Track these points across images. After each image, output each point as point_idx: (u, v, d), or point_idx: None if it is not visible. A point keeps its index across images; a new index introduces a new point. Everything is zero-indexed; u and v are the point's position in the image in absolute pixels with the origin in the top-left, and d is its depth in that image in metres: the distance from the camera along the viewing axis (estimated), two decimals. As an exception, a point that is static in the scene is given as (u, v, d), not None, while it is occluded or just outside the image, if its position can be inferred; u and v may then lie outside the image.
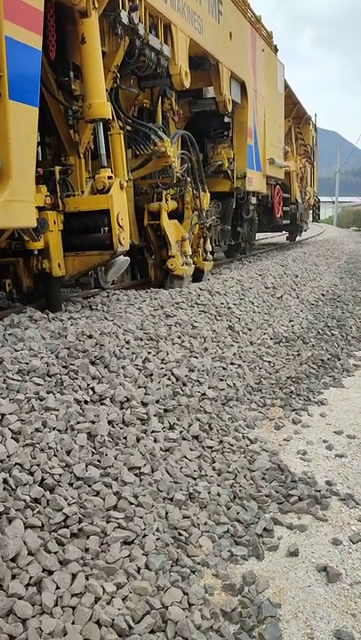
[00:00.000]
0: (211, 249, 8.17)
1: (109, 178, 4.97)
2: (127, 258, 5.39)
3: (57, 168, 5.00)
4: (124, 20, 5.36)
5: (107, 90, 5.40)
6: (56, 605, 1.95)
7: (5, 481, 2.32)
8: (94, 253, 5.00)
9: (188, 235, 7.14)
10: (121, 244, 4.85)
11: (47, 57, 4.94)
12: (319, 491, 2.94)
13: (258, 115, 10.62)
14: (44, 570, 2.07)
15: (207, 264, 7.88)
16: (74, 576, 2.08)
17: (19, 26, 3.86)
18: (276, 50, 12.35)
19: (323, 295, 8.53)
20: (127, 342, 3.92)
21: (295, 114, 17.12)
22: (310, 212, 20.94)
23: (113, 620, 1.92)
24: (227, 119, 9.68)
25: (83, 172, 5.41)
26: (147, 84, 6.96)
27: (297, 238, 19.06)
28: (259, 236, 18.58)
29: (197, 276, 7.65)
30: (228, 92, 8.76)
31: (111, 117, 5.36)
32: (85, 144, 5.45)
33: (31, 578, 2.01)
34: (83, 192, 5.27)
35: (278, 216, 13.78)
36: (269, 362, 5.04)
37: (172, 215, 6.94)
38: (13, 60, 3.80)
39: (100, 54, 5.00)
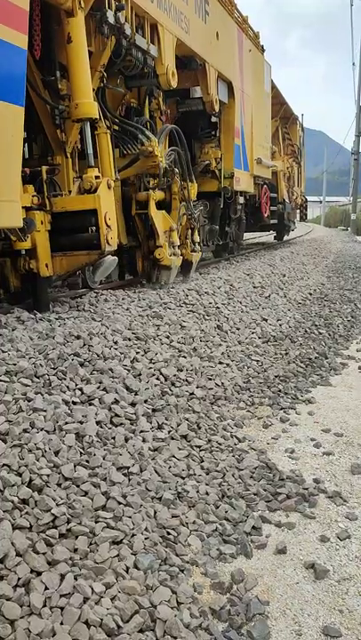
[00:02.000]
0: (199, 240, 8.17)
1: (97, 177, 4.96)
2: (115, 257, 5.39)
3: (44, 168, 4.98)
4: (111, 19, 5.37)
5: (93, 89, 5.40)
6: (45, 606, 1.95)
7: (-7, 482, 2.31)
8: (82, 253, 4.99)
9: (176, 225, 7.13)
10: (109, 243, 4.85)
11: (33, 56, 4.92)
12: (307, 489, 2.96)
13: (245, 114, 10.65)
14: (32, 571, 2.06)
15: (195, 255, 7.87)
16: (62, 576, 2.07)
17: (4, 25, 3.85)
18: (263, 50, 12.39)
19: (310, 294, 8.57)
20: (115, 343, 3.91)
21: (282, 114, 17.22)
22: (298, 211, 21.05)
23: (102, 619, 1.92)
24: (214, 119, 9.71)
25: (70, 172, 5.39)
26: (134, 83, 6.96)
27: (285, 238, 19.13)
28: (247, 235, 18.64)
29: (185, 267, 7.64)
30: (216, 91, 8.79)
31: (98, 117, 5.35)
32: (72, 144, 5.44)
33: (19, 579, 2.00)
34: (70, 192, 5.26)
35: (266, 216, 13.81)
36: (258, 361, 5.06)
37: (159, 206, 6.94)
38: None
39: (87, 54, 5.00)
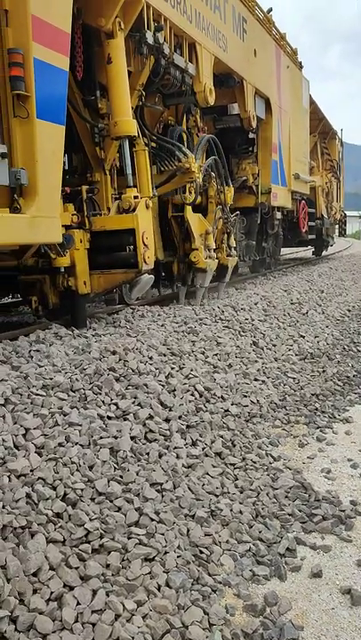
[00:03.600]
0: (235, 245, 8.16)
1: (135, 197, 5.04)
2: (151, 276, 5.44)
3: (84, 187, 5.09)
4: (150, 40, 5.48)
5: (132, 108, 5.49)
6: (76, 621, 1.95)
7: (28, 495, 2.35)
8: (119, 272, 5.06)
9: (212, 228, 7.14)
10: (146, 262, 4.92)
11: (75, 77, 5.07)
12: (344, 510, 2.89)
13: (283, 130, 10.68)
14: (65, 585, 2.07)
15: (231, 260, 7.86)
16: (94, 592, 2.08)
17: (46, 47, 3.98)
18: (300, 66, 12.45)
19: (349, 311, 8.43)
20: (150, 358, 3.93)
21: (321, 129, 17.14)
22: (336, 226, 20.83)
23: (133, 637, 1.92)
24: (251, 135, 9.76)
25: (108, 189, 5.50)
26: (172, 101, 7.07)
27: (323, 253, 18.94)
28: (285, 250, 18.52)
29: (221, 271, 7.64)
30: (253, 108, 8.85)
31: (136, 134, 5.45)
32: (111, 161, 5.55)
33: (52, 593, 2.02)
34: (109, 209, 5.34)
35: (304, 231, 13.75)
36: (294, 378, 5.00)
37: (195, 210, 6.98)
38: (41, 81, 3.91)
39: (126, 73, 5.11)
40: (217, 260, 7.23)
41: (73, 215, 4.84)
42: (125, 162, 5.22)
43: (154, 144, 6.44)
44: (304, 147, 13.11)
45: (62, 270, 4.83)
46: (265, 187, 9.96)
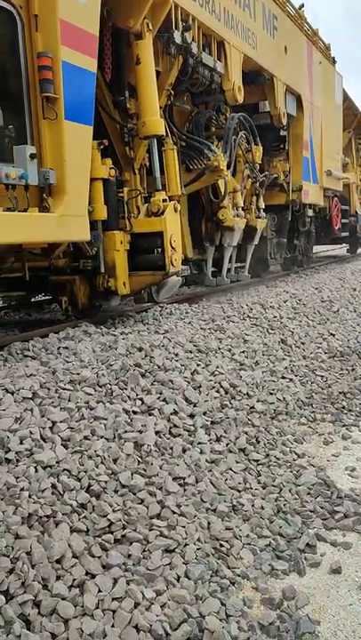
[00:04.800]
0: (263, 206, 8.16)
1: (164, 201, 5.11)
2: (179, 278, 5.52)
3: (125, 190, 5.17)
4: (178, 40, 5.53)
5: (161, 107, 5.57)
6: (97, 608, 2.02)
7: (54, 486, 2.43)
8: (147, 273, 5.14)
9: (240, 187, 7.12)
10: (173, 265, 5.00)
11: (104, 78, 5.15)
12: (366, 508, 2.89)
13: (314, 127, 10.58)
14: (87, 573, 2.14)
15: (260, 222, 7.86)
16: (115, 580, 2.14)
17: (74, 50, 4.07)
18: (334, 62, 12.29)
19: (382, 309, 8.30)
20: (176, 355, 3.99)
21: (356, 125, 16.83)
22: (371, 223, 20.49)
23: (151, 625, 1.97)
24: (282, 132, 9.70)
25: (138, 188, 5.57)
26: (200, 100, 7.10)
27: (358, 251, 18.64)
28: (318, 248, 18.29)
29: (250, 233, 7.70)
30: (283, 105, 8.82)
31: (165, 134, 5.49)
32: (140, 160, 5.62)
33: (74, 580, 2.09)
34: (138, 207, 5.39)
35: (337, 228, 13.56)
36: (322, 376, 4.97)
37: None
38: (69, 83, 4.01)
39: (154, 74, 5.17)
40: (245, 220, 7.23)
41: (111, 169, 4.84)
42: (154, 164, 5.27)
43: (183, 143, 6.47)
44: (337, 143, 12.91)
45: (102, 271, 4.90)
46: (296, 184, 9.88)
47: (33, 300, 7.33)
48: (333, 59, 12.17)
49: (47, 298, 7.45)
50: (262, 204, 8.04)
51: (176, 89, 6.12)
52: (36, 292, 6.93)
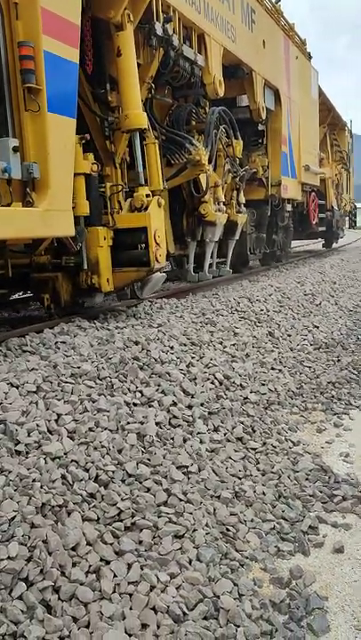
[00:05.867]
0: (244, 201, 8.11)
1: (147, 196, 5.02)
2: (163, 274, 5.42)
3: (107, 185, 5.08)
4: (159, 31, 5.44)
5: (142, 100, 5.45)
6: (114, 592, 2.08)
7: (63, 476, 2.47)
8: (131, 270, 5.04)
9: (221, 181, 7.08)
10: (158, 261, 4.91)
11: (84, 71, 5.00)
12: (363, 491, 3.00)
13: (292, 122, 10.66)
14: (101, 559, 2.20)
15: (241, 216, 7.82)
16: (129, 566, 2.20)
17: (56, 40, 3.94)
18: (309, 57, 12.40)
19: (361, 301, 8.50)
20: (171, 348, 4.05)
21: (330, 120, 17.03)
22: (347, 218, 20.77)
23: (168, 606, 2.04)
24: (261, 127, 9.72)
25: (119, 182, 5.45)
26: (181, 93, 7.00)
27: (333, 245, 18.87)
28: (295, 243, 18.50)
29: (231, 228, 7.67)
30: (262, 99, 8.81)
31: (147, 127, 5.41)
32: (121, 154, 5.49)
33: (90, 566, 2.14)
34: (119, 202, 5.26)
35: (314, 223, 13.70)
36: (310, 367, 5.09)
37: None
38: (51, 74, 3.89)
39: (136, 66, 5.06)
40: (226, 215, 7.18)
41: (93, 164, 4.73)
42: (136, 158, 5.14)
43: (164, 137, 6.38)
44: (314, 138, 13.07)
45: (85, 267, 4.82)
46: (275, 179, 9.93)
47: (11, 298, 7.17)
48: (309, 54, 12.28)
49: (28, 295, 7.33)
50: (243, 199, 8.03)
51: (157, 82, 6.01)
52: (16, 290, 6.82)
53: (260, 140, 9.90)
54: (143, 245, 4.96)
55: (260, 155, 9.81)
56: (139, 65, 5.39)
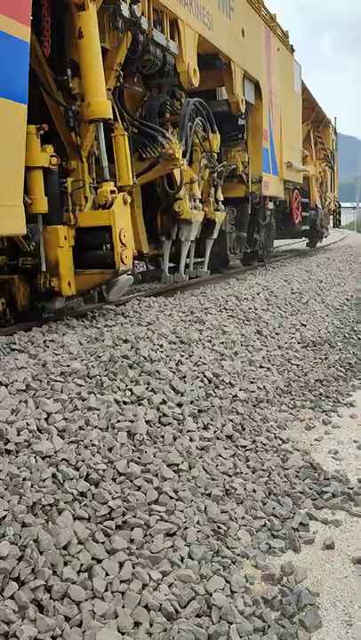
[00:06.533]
0: (222, 198, 7.71)
1: (112, 192, 4.65)
2: (130, 277, 5.08)
3: (69, 180, 4.74)
4: (125, 12, 5.04)
5: (110, 89, 5.16)
6: (107, 590, 2.07)
7: (54, 475, 2.46)
8: (95, 272, 4.68)
9: (197, 177, 6.77)
10: (123, 262, 4.55)
11: (44, 55, 4.67)
12: (352, 488, 3.02)
13: (274, 116, 10.24)
14: (93, 558, 2.19)
15: (219, 215, 7.46)
16: (121, 564, 2.19)
17: (2, 15, 3.57)
18: (292, 50, 11.94)
19: (347, 300, 8.56)
20: (161, 346, 4.04)
21: (314, 117, 16.64)
22: (331, 217, 20.75)
23: (161, 604, 2.03)
24: (241, 121, 9.23)
25: (86, 178, 5.07)
26: (153, 82, 6.63)
27: (318, 244, 18.73)
28: (281, 242, 18.55)
29: (208, 227, 7.33)
30: (241, 91, 8.36)
31: (113, 117, 5.05)
32: (88, 147, 5.09)
33: (82, 565, 2.14)
34: (86, 198, 4.90)
35: (297, 222, 13.36)
36: (298, 365, 5.12)
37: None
38: None
39: (99, 49, 4.69)
40: (203, 213, 6.87)
41: (52, 157, 4.37)
42: (101, 151, 4.77)
43: (135, 129, 6.00)
44: (296, 134, 12.62)
45: (44, 270, 4.40)
46: (255, 175, 9.50)
47: None
48: (292, 47, 11.86)
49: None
50: (221, 196, 7.68)
51: (126, 69, 5.60)
52: None
53: (241, 135, 9.38)
54: (108, 246, 4.59)
55: (240, 150, 9.37)
56: (105, 50, 5.04)
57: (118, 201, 4.58)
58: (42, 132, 4.29)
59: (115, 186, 4.96)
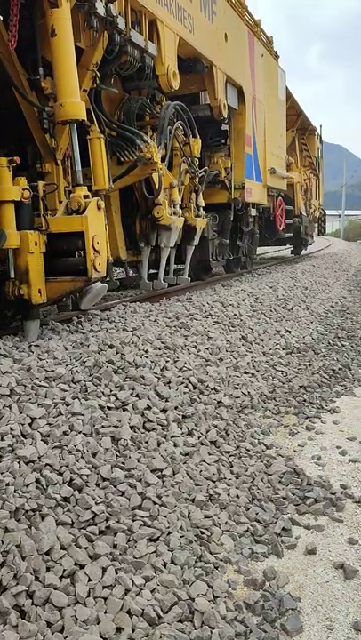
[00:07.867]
0: (203, 204, 7.60)
1: (85, 197, 4.48)
2: (104, 285, 4.90)
3: (41, 183, 4.52)
4: (100, 11, 4.90)
5: (85, 90, 5.09)
6: (89, 596, 2.07)
7: (37, 480, 2.45)
8: (67, 279, 4.49)
9: (177, 182, 6.69)
10: (96, 270, 4.39)
11: (17, 53, 4.58)
12: (334, 493, 3.04)
13: (257, 122, 10.20)
14: (76, 563, 2.19)
15: (200, 221, 7.37)
16: (104, 569, 2.19)
17: None
18: (276, 56, 11.92)
19: (332, 307, 8.65)
20: (146, 351, 4.05)
21: (299, 124, 16.67)
22: (316, 225, 20.81)
23: (143, 610, 2.03)
24: (224, 126, 9.16)
25: (61, 181, 4.96)
26: (132, 85, 6.52)
27: (303, 252, 18.65)
28: (266, 249, 18.63)
29: (189, 233, 7.25)
30: (224, 96, 8.27)
31: (89, 119, 4.97)
32: (63, 150, 4.99)
33: (65, 570, 2.13)
34: (60, 202, 4.75)
35: (281, 229, 13.27)
36: (282, 371, 5.16)
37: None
38: None
39: (73, 48, 4.56)
40: (183, 219, 6.78)
41: (24, 190, 4.17)
42: (74, 154, 4.58)
43: (113, 132, 5.88)
44: (280, 140, 12.53)
45: (12, 276, 4.21)
46: (238, 181, 9.44)
47: None
48: (276, 53, 11.85)
49: None
50: (202, 202, 7.58)
51: (103, 70, 5.43)
52: None
53: (224, 141, 9.27)
54: (81, 252, 4.43)
55: (223, 156, 9.30)
56: (80, 49, 4.94)
57: (92, 206, 4.43)
58: (14, 164, 4.13)
59: (90, 190, 4.86)
